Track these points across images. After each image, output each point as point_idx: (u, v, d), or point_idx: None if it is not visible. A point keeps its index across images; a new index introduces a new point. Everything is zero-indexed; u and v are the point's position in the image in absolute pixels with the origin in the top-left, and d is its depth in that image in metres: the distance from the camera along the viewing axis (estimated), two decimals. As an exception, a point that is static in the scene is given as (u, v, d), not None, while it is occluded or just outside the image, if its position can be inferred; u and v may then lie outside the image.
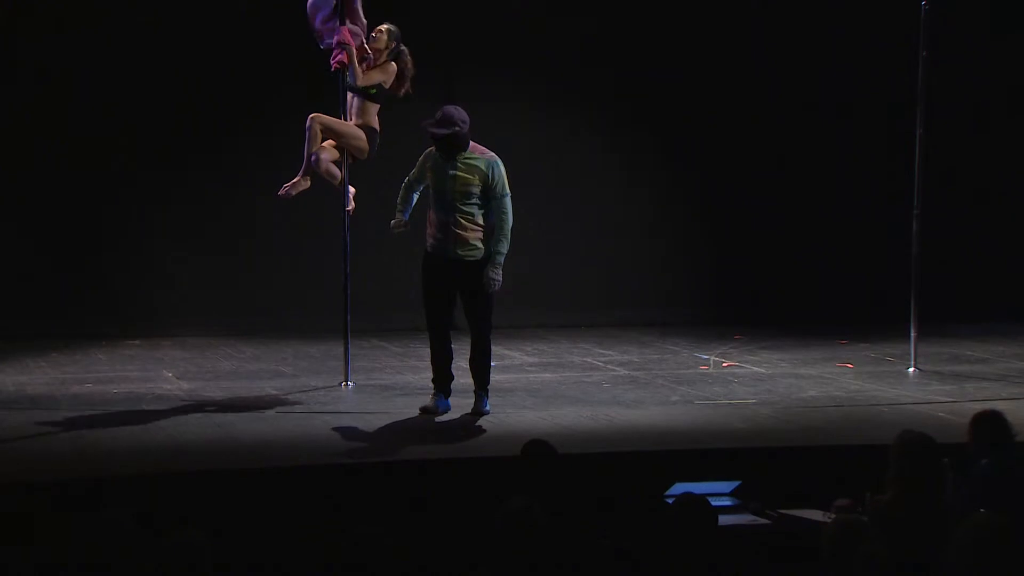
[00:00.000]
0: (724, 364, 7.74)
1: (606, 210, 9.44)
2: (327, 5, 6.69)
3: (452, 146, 6.15)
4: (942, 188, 8.45)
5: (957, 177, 9.27)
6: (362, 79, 6.71)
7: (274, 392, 6.86)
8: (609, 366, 7.71)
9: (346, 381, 6.97)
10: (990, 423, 4.47)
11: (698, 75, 9.29)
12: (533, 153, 9.26)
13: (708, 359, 7.87)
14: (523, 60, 9.14)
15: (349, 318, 6.99)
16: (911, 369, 7.38)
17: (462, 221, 6.13)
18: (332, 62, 6.67)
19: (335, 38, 6.65)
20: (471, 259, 6.15)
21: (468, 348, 6.30)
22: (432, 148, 6.24)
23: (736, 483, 5.21)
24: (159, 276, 8.80)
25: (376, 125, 6.85)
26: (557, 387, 7.01)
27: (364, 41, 6.74)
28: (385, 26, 6.77)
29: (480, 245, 6.16)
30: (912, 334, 7.38)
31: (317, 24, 6.76)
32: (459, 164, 6.17)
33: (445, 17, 8.97)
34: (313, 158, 6.74)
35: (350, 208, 6.94)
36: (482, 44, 9.07)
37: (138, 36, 8.65)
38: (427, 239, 6.25)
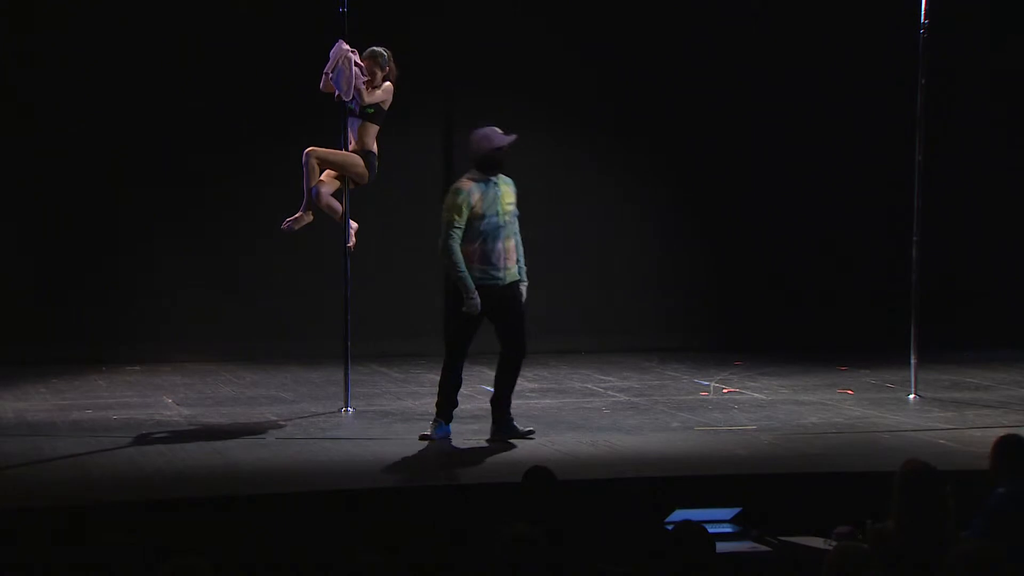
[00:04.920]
0: (724, 390, 7.74)
1: (606, 235, 9.45)
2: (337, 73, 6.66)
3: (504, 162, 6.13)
4: (942, 214, 8.47)
5: (958, 203, 9.28)
6: (367, 98, 6.71)
7: (274, 418, 6.85)
8: (609, 392, 7.70)
9: (346, 407, 6.96)
10: (1012, 448, 4.40)
11: (698, 100, 9.32)
12: (532, 177, 9.21)
13: (708, 385, 7.87)
14: (523, 83, 9.16)
15: (349, 344, 6.99)
16: (911, 396, 7.37)
17: (511, 242, 6.16)
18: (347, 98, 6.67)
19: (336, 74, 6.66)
20: (514, 279, 6.20)
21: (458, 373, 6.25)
22: (466, 183, 6.12)
23: (736, 510, 5.19)
24: (159, 302, 8.80)
25: (374, 148, 6.86)
26: (557, 413, 7.00)
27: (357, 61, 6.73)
28: (375, 52, 6.74)
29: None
30: (912, 361, 7.38)
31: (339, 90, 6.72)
32: (500, 184, 6.16)
33: (444, 39, 9.02)
34: (313, 192, 6.76)
35: (351, 244, 6.94)
36: (482, 66, 9.10)
37: (143, 65, 8.68)
38: (472, 270, 6.09)
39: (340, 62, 6.65)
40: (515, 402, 7.30)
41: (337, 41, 6.72)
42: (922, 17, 7.26)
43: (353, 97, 6.68)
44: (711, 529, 4.02)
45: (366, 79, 6.73)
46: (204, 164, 8.81)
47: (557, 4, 9.24)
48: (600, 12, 9.23)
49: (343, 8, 6.81)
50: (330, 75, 6.69)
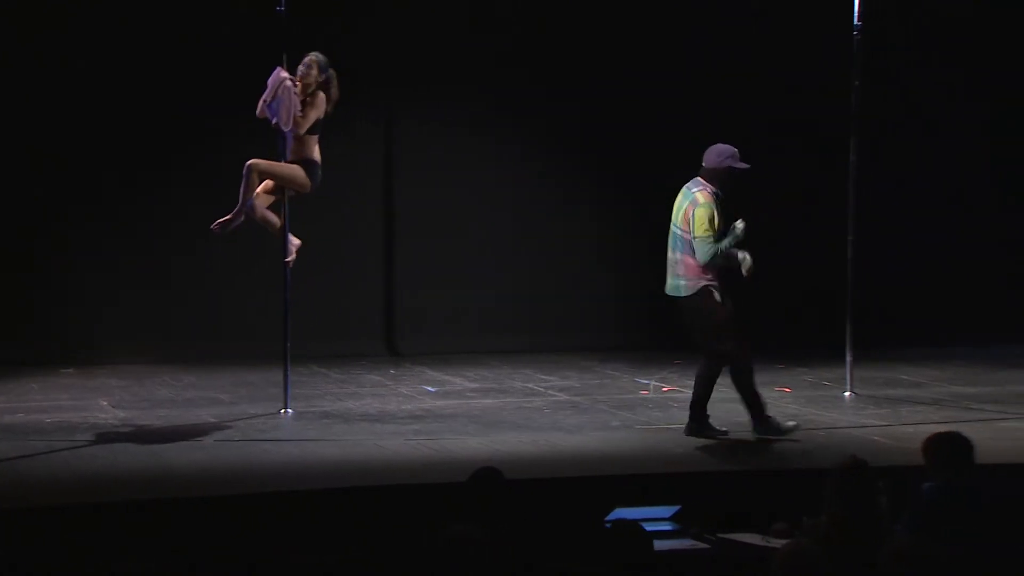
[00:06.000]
0: (664, 389, 7.79)
1: (546, 235, 9.47)
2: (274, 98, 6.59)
3: None
4: (876, 213, 8.59)
5: (891, 202, 9.42)
6: (302, 126, 6.65)
7: (212, 420, 6.78)
8: (550, 391, 7.72)
9: (285, 408, 6.91)
10: (941, 445, 4.48)
11: (639, 101, 9.35)
12: (474, 178, 9.28)
13: (648, 384, 7.92)
14: (465, 85, 9.16)
15: (288, 344, 6.94)
16: (847, 393, 7.47)
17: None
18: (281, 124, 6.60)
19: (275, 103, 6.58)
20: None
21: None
22: (708, 197, 6.19)
23: (676, 508, 5.23)
24: (93, 303, 8.67)
25: (316, 157, 6.76)
26: (498, 413, 7.01)
27: (294, 82, 6.63)
28: (313, 58, 6.70)
29: None
30: (848, 359, 7.48)
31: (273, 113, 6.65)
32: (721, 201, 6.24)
33: (386, 39, 8.98)
34: (248, 205, 6.66)
35: (290, 259, 6.86)
36: (423, 66, 9.08)
37: (75, 64, 8.54)
38: (712, 281, 6.17)
39: (279, 91, 6.57)
40: (456, 402, 7.33)
41: (275, 68, 6.63)
42: (855, 19, 7.37)
43: (291, 127, 6.61)
44: (650, 527, 4.04)
45: (301, 107, 6.58)
46: (138, 163, 8.70)
47: (505, 2, 9.24)
48: (547, 11, 9.25)
49: (280, 7, 6.75)
50: (268, 102, 6.61)
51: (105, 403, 7.24)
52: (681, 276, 6.24)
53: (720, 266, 6.19)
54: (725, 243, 6.17)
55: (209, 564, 4.70)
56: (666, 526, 5.11)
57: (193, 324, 8.80)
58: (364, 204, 9.18)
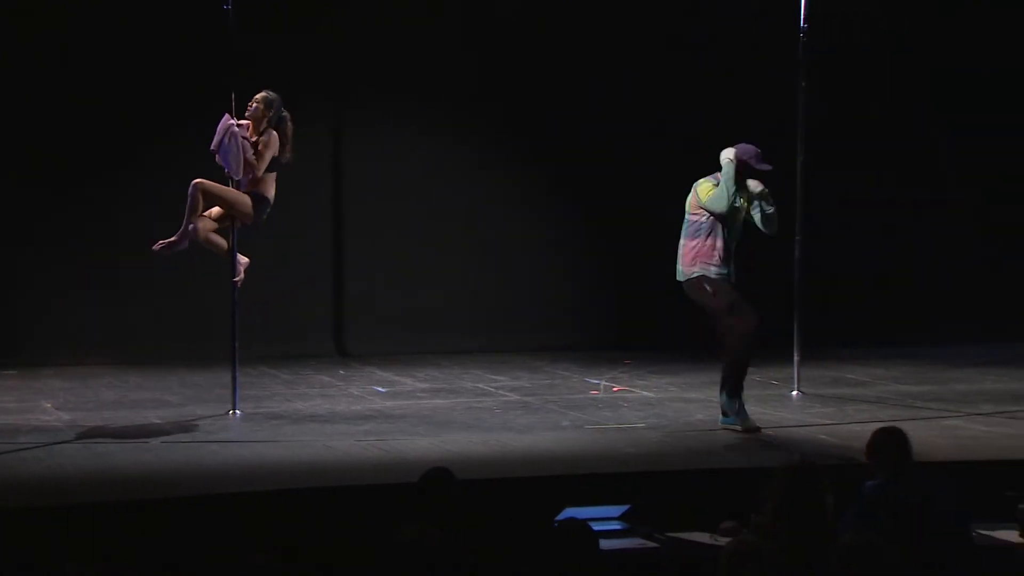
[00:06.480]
0: (614, 389, 7.83)
1: (496, 235, 9.48)
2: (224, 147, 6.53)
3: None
4: (822, 213, 8.68)
5: (837, 202, 9.52)
6: (259, 168, 6.58)
7: (159, 421, 6.71)
8: (500, 392, 7.73)
9: (233, 410, 6.86)
10: (890, 440, 4.54)
11: (589, 101, 9.39)
12: (422, 179, 9.26)
13: (599, 384, 7.95)
14: (412, 87, 9.14)
15: (237, 345, 6.88)
16: (794, 392, 7.55)
17: (731, 242, 6.48)
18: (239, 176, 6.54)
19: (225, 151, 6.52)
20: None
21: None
22: (709, 181, 6.43)
23: (625, 507, 5.26)
24: (37, 303, 8.54)
25: (269, 193, 6.67)
26: (448, 413, 7.00)
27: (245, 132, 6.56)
28: (261, 95, 6.64)
29: None
30: (795, 358, 7.56)
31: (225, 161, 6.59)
32: (741, 192, 6.46)
33: (334, 43, 8.95)
34: (191, 227, 6.56)
35: (238, 279, 6.79)
36: (371, 70, 9.06)
37: (20, 61, 8.43)
38: (710, 267, 6.41)
39: (226, 139, 6.49)
40: (406, 403, 7.32)
41: (223, 115, 6.56)
42: (802, 21, 7.46)
43: (244, 173, 6.54)
44: (600, 527, 4.06)
45: (255, 149, 6.52)
46: (84, 163, 8.59)
47: (452, 3, 9.23)
48: (492, 15, 9.25)
49: (227, 5, 6.70)
50: (216, 152, 6.53)
51: (49, 405, 7.14)
52: (680, 263, 6.54)
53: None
54: (731, 186, 6.35)
55: (156, 566, 4.65)
56: (616, 525, 5.13)
57: (139, 325, 8.70)
58: (313, 203, 9.13)
